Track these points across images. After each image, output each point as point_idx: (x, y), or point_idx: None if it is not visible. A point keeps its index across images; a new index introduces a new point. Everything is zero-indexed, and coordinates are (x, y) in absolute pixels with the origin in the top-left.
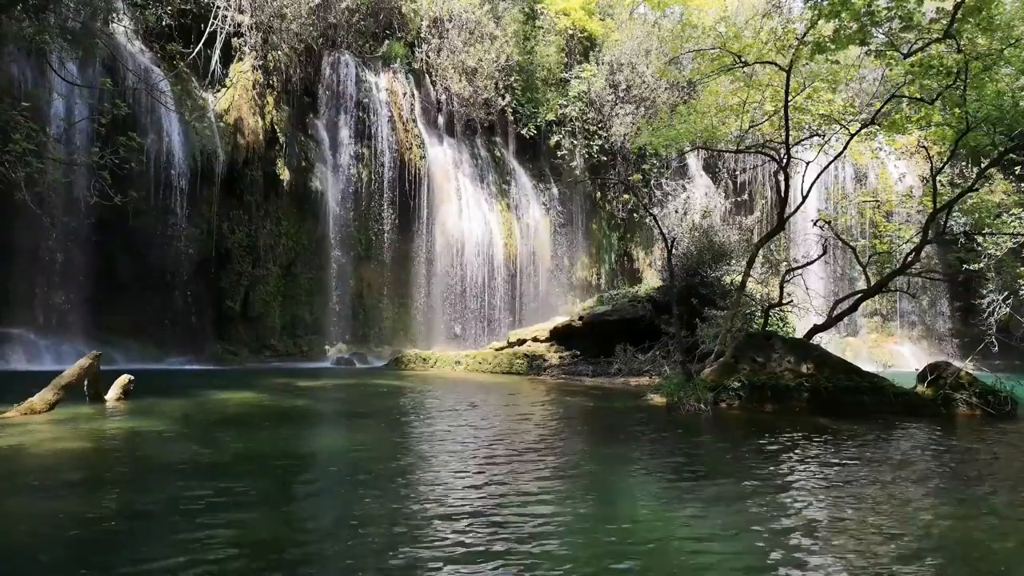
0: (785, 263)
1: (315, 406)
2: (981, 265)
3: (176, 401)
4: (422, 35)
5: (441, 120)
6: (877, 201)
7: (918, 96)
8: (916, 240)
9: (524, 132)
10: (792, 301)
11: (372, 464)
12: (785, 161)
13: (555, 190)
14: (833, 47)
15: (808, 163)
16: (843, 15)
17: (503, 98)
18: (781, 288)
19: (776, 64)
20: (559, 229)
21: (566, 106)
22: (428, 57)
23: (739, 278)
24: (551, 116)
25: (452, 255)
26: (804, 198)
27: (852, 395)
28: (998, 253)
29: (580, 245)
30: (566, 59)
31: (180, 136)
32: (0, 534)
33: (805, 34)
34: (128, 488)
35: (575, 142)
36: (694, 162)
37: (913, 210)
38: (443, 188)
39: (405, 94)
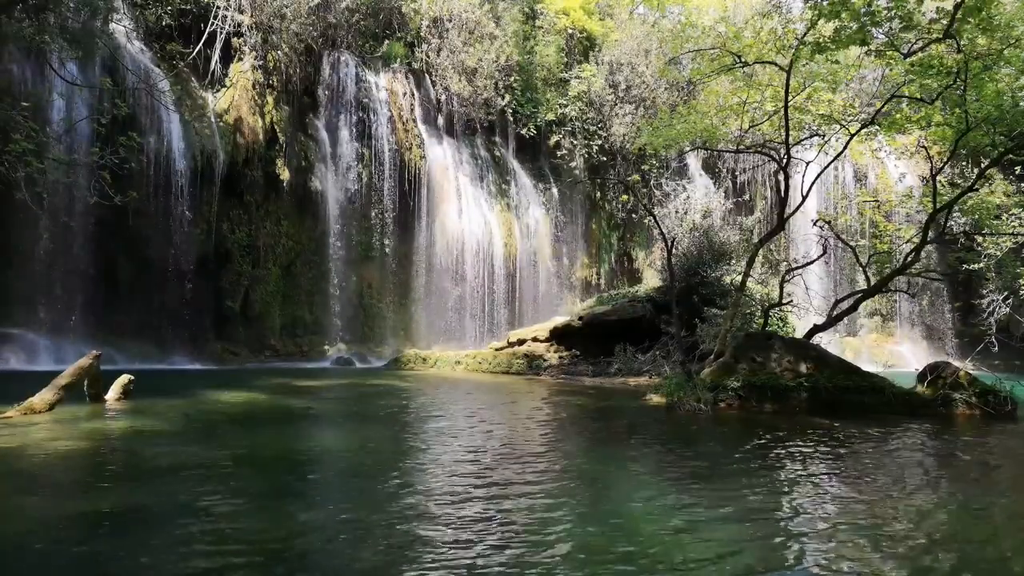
0: (785, 263)
1: (315, 406)
2: (981, 265)
3: (176, 401)
4: (422, 35)
5: (441, 120)
6: (877, 201)
7: (918, 96)
8: (916, 240)
9: (524, 132)
10: (792, 301)
11: (372, 464)
12: (785, 161)
13: (555, 190)
14: (833, 47)
15: (808, 163)
16: (843, 15)
17: (503, 98)
18: (781, 288)
19: (776, 64)
20: (559, 229)
21: (566, 106)
22: (428, 57)
23: (739, 278)
24: (551, 116)
25: (452, 255)
26: (804, 198)
27: (852, 395)
28: (998, 253)
29: (580, 245)
30: (566, 59)
31: (180, 136)
32: None
33: (805, 34)
34: (128, 488)
35: (575, 142)
36: (694, 162)
37: (913, 210)
38: (443, 188)
39: (405, 94)
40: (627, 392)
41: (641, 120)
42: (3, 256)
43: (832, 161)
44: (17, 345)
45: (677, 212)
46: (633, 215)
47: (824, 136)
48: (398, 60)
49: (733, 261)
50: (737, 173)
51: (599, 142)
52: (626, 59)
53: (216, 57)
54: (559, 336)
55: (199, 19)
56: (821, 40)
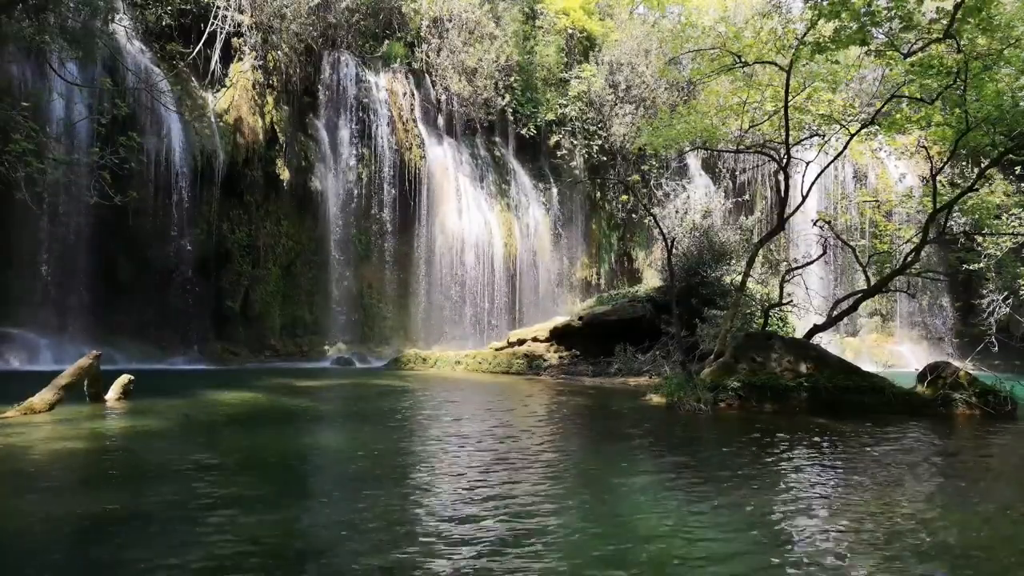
0: (785, 263)
1: (315, 406)
2: (981, 265)
3: (176, 401)
4: (422, 35)
5: (441, 120)
6: (877, 201)
7: (918, 96)
8: (916, 240)
9: (524, 132)
10: (792, 301)
11: (372, 465)
12: (785, 161)
13: (555, 190)
14: (833, 47)
15: (808, 163)
16: (843, 15)
17: (503, 98)
18: (781, 288)
19: (776, 64)
20: (559, 229)
21: (566, 106)
22: (428, 57)
23: (739, 278)
24: (551, 116)
25: (452, 255)
26: (804, 198)
27: (852, 395)
28: (998, 253)
29: (580, 245)
30: (566, 59)
31: (180, 136)
32: (0, 533)
33: (805, 34)
34: (128, 488)
35: (575, 142)
36: (694, 162)
37: (913, 210)
38: (443, 188)
39: (405, 94)
40: (627, 392)
41: (641, 120)
42: (3, 256)
43: (832, 161)
44: (17, 345)
45: (677, 212)
46: (633, 215)
47: (824, 136)
48: (398, 60)
49: (733, 261)
50: (737, 173)
51: (599, 142)
52: (626, 59)
53: (216, 57)
54: (559, 336)
55: (199, 19)
56: (821, 40)
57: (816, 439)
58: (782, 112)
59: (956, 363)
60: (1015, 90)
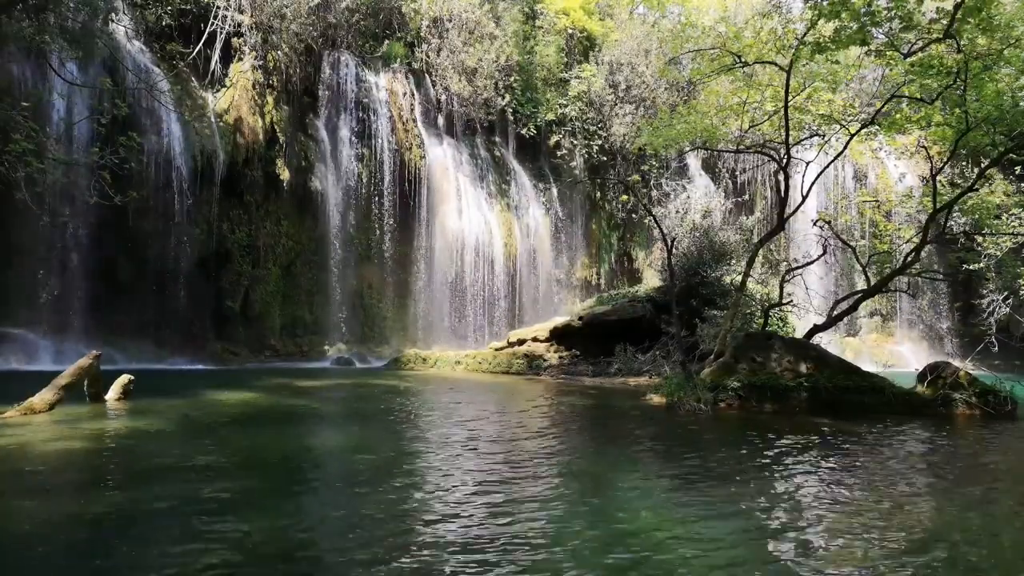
0: (785, 263)
1: (315, 407)
2: (981, 265)
3: (176, 401)
4: (422, 35)
5: (441, 120)
6: (877, 201)
7: (918, 96)
8: (916, 240)
9: (524, 132)
10: (792, 301)
11: (372, 465)
12: (785, 161)
13: (555, 190)
14: (833, 47)
15: (808, 163)
16: (843, 15)
17: (503, 98)
18: (781, 288)
19: (776, 64)
20: (559, 229)
21: (566, 106)
22: (428, 57)
23: (739, 278)
24: (551, 116)
25: (452, 255)
26: (804, 198)
27: (852, 395)
28: (998, 253)
29: (580, 245)
30: (566, 59)
31: (180, 136)
32: (0, 533)
33: (805, 34)
34: (128, 488)
35: (575, 142)
36: (694, 162)
37: (913, 210)
38: (443, 188)
39: (405, 94)
40: (627, 392)
41: (641, 120)
42: (3, 256)
43: (832, 161)
44: (17, 345)
45: (677, 212)
46: (633, 215)
47: (824, 136)
48: (398, 60)
49: (733, 261)
50: (737, 173)
51: (599, 142)
52: (626, 59)
53: (216, 57)
54: (559, 336)
55: (199, 19)
56: (821, 40)
57: (817, 439)
58: (782, 112)
59: (956, 363)
60: (1015, 90)
